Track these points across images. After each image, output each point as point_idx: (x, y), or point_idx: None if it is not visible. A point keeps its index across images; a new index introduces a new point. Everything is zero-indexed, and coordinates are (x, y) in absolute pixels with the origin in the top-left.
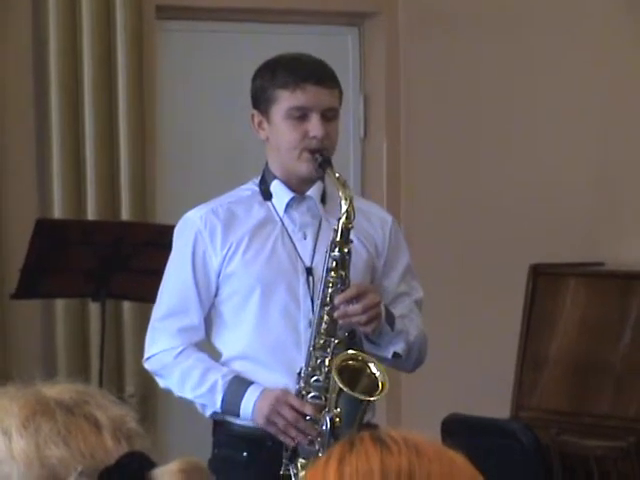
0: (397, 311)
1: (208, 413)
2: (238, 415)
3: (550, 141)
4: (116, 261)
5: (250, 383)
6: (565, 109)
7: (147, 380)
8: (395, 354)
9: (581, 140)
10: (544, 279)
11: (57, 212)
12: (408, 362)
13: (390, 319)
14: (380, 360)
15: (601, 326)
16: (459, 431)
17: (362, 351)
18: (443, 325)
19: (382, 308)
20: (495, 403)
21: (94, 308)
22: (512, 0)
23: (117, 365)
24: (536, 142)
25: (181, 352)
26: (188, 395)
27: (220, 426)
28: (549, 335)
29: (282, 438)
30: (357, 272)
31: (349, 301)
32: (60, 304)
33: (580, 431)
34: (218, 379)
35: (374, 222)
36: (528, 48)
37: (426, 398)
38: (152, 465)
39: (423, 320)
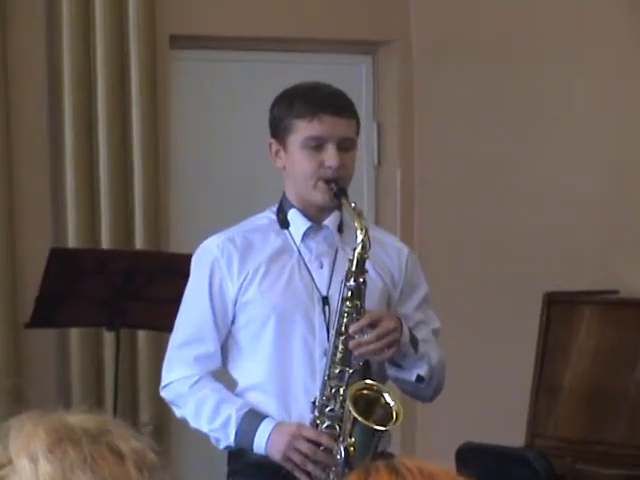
0: (418, 336)
1: (222, 446)
2: (252, 449)
3: (564, 167)
4: (130, 290)
5: (263, 417)
6: (577, 134)
7: (162, 409)
8: (419, 377)
9: (595, 167)
10: (558, 307)
11: (71, 241)
12: (429, 388)
13: (414, 341)
14: (403, 384)
15: (616, 354)
16: (474, 460)
17: (377, 381)
18: (457, 353)
19: (405, 330)
20: (510, 432)
21: (109, 337)
22: (525, 28)
23: (132, 394)
24: (550, 168)
25: (196, 382)
26: (203, 428)
27: (235, 454)
28: (564, 363)
29: (297, 474)
30: (373, 302)
31: (363, 330)
32: (75, 333)
33: (595, 460)
34: (232, 413)
35: (390, 252)
36: (541, 75)
37: (441, 426)
38: None
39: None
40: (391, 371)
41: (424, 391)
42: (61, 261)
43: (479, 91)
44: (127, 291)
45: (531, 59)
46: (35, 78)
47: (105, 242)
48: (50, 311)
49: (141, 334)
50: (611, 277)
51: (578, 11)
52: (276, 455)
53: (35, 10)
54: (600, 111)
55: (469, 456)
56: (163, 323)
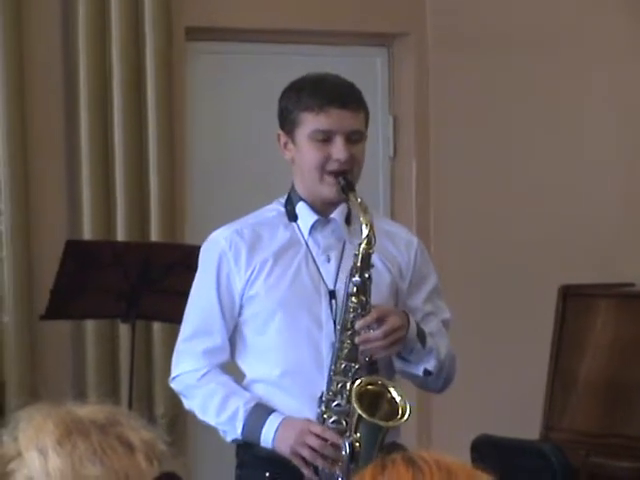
0: (426, 329)
1: (229, 439)
2: (259, 443)
3: (579, 161)
4: (146, 282)
5: (271, 411)
6: (592, 129)
7: (177, 400)
8: (426, 371)
9: (609, 160)
10: (574, 300)
11: (87, 233)
12: (438, 381)
13: (421, 336)
14: (411, 378)
15: (632, 347)
16: (489, 452)
17: (384, 375)
18: (473, 346)
19: (412, 325)
20: (525, 424)
21: (124, 329)
22: (540, 20)
23: (147, 386)
24: (565, 163)
25: (204, 374)
26: (210, 420)
27: (243, 446)
28: (579, 356)
29: (306, 472)
30: (380, 295)
31: (370, 326)
32: (90, 325)
33: (610, 453)
34: (239, 406)
35: (399, 244)
36: (555, 67)
37: (456, 418)
38: None
39: (452, 340)
40: (398, 364)
41: (433, 383)
42: (76, 253)
43: (494, 83)
44: (142, 283)
45: (547, 50)
46: (51, 71)
47: (120, 234)
48: (65, 303)
49: (156, 326)
50: (627, 270)
51: (591, 5)
52: (284, 449)
53: (51, 2)
54: (616, 102)
55: (484, 448)
56: (178, 315)
